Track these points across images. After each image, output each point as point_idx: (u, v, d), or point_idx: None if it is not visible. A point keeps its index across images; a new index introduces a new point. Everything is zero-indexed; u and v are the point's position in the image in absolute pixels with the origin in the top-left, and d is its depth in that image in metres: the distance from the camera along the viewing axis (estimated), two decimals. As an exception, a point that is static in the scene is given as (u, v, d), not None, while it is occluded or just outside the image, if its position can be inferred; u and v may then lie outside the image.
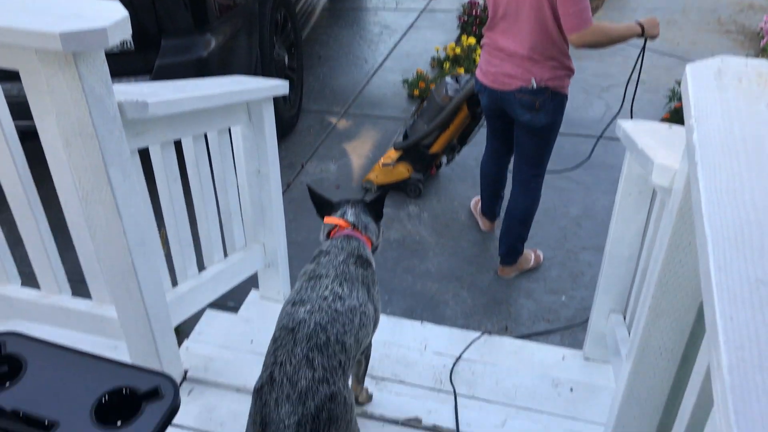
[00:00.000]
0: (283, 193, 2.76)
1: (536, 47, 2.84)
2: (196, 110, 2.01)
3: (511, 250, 3.43)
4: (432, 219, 3.99)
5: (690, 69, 1.29)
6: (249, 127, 2.42)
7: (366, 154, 4.64)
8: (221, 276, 2.46)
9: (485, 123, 3.54)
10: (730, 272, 0.81)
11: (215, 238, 2.46)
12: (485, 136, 3.58)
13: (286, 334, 1.57)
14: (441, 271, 3.56)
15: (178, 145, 2.14)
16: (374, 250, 2.01)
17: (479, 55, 3.22)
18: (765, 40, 5.37)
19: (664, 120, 4.63)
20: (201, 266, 2.43)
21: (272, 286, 2.86)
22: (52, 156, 1.78)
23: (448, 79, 4.04)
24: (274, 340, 1.59)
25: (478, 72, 3.18)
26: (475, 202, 3.99)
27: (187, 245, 2.30)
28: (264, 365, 1.56)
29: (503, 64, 2.97)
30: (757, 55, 5.37)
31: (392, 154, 4.23)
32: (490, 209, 3.76)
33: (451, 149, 4.16)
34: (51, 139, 1.74)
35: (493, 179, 3.63)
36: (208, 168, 2.32)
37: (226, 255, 2.56)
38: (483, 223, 3.86)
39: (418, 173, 4.13)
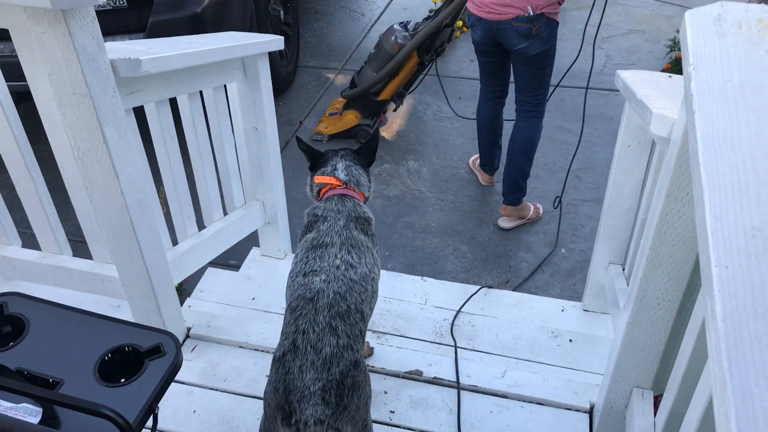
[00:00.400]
0: (282, 151, 2.75)
1: None
2: (190, 67, 1.98)
3: (514, 185, 3.44)
4: (432, 174, 3.98)
5: (689, 15, 1.27)
6: (245, 83, 2.40)
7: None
8: (221, 234, 2.47)
9: (479, 73, 3.51)
10: (726, 221, 0.81)
11: (214, 196, 2.46)
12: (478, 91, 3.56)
13: (305, 303, 1.55)
14: (441, 226, 3.57)
15: (174, 103, 2.12)
16: (365, 200, 1.98)
17: None
18: (769, -14, 5.27)
19: (664, 70, 4.58)
20: (201, 225, 2.43)
21: (272, 243, 2.87)
22: (46, 116, 1.77)
23: (396, 26, 4.02)
24: (293, 309, 1.57)
25: (470, 5, 3.17)
26: (474, 159, 3.98)
27: (186, 204, 2.30)
28: (283, 334, 1.55)
29: None
30: (761, 1, 5.27)
31: (337, 103, 4.28)
32: (489, 161, 3.75)
33: (399, 96, 4.20)
34: (45, 99, 1.72)
35: (490, 125, 3.62)
36: (205, 126, 2.31)
37: (225, 213, 2.56)
38: (482, 177, 3.85)
39: (366, 119, 4.18)
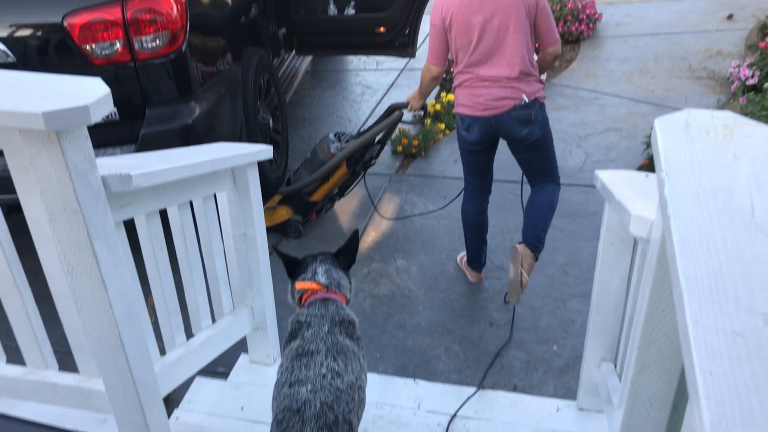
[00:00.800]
0: (270, 255, 2.77)
1: (523, 67, 3.10)
2: (180, 179, 2.03)
3: (534, 235, 3.30)
4: (420, 272, 4.00)
5: (658, 123, 1.33)
6: (234, 192, 2.45)
7: (352, 211, 4.67)
8: (210, 342, 2.44)
9: (464, 174, 3.60)
10: (707, 326, 0.82)
11: (203, 304, 2.45)
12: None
13: (291, 415, 1.52)
14: (432, 325, 3.55)
15: (163, 212, 2.15)
16: (348, 302, 1.99)
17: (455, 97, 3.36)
18: (735, 84, 5.51)
19: (642, 166, 4.71)
20: (189, 333, 2.41)
21: (261, 349, 2.84)
22: (36, 231, 1.79)
23: (331, 136, 4.30)
24: (279, 422, 1.53)
25: (461, 109, 3.29)
26: (461, 257, 4.01)
27: (174, 313, 2.28)
28: None
29: (490, 91, 3.14)
30: (728, 100, 5.50)
31: (275, 199, 4.46)
32: (476, 257, 3.78)
33: (331, 199, 4.46)
34: (35, 215, 1.74)
35: (476, 222, 3.67)
36: (194, 235, 2.33)
37: (214, 320, 2.54)
38: (471, 275, 3.87)
39: (297, 215, 4.37)
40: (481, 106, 3.18)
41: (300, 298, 1.94)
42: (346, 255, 2.06)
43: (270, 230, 4.31)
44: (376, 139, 4.19)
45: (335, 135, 4.32)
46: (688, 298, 0.87)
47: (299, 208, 4.37)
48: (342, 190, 4.46)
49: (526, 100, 3.11)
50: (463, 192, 3.69)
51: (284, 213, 4.36)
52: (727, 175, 1.12)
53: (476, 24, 3.09)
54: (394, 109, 4.05)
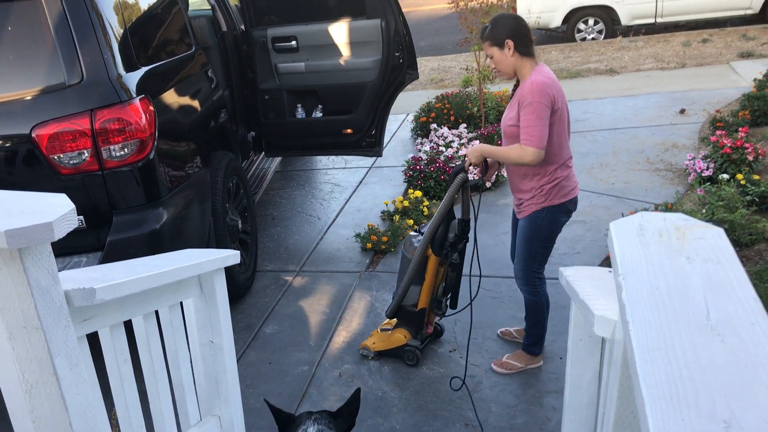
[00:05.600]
0: (239, 359, 2.72)
1: None
2: (146, 290, 2.01)
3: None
4: (393, 372, 3.93)
5: (614, 226, 1.37)
6: (201, 298, 2.42)
7: (322, 310, 4.63)
8: (175, 456, 2.36)
9: (544, 262, 3.62)
10: (669, 434, 0.83)
11: (168, 415, 2.38)
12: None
13: None
14: (406, 428, 3.47)
15: (127, 321, 2.12)
16: None
17: (554, 186, 3.37)
18: (692, 176, 5.71)
19: (607, 259, 4.78)
20: (154, 447, 2.33)
21: (231, 461, 2.74)
22: (-5, 348, 1.75)
23: (412, 233, 3.99)
24: None
25: (564, 198, 3.39)
26: (511, 358, 3.91)
27: (138, 427, 2.21)
28: None
29: (573, 173, 3.46)
30: (686, 191, 5.67)
31: (392, 321, 4.13)
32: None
33: (437, 303, 3.92)
34: (-5, 332, 1.71)
35: None
36: (160, 345, 2.29)
37: (180, 433, 2.46)
38: (538, 360, 3.87)
39: (415, 339, 3.98)
40: (576, 188, 3.46)
41: None
42: (345, 416, 1.96)
43: (383, 354, 4.05)
44: (443, 213, 3.64)
45: (416, 230, 3.97)
46: (650, 406, 0.87)
47: (412, 325, 3.94)
48: (447, 289, 3.91)
49: None
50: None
51: (401, 337, 3.97)
52: (682, 278, 1.15)
53: (567, 110, 3.33)
54: (457, 173, 3.57)
